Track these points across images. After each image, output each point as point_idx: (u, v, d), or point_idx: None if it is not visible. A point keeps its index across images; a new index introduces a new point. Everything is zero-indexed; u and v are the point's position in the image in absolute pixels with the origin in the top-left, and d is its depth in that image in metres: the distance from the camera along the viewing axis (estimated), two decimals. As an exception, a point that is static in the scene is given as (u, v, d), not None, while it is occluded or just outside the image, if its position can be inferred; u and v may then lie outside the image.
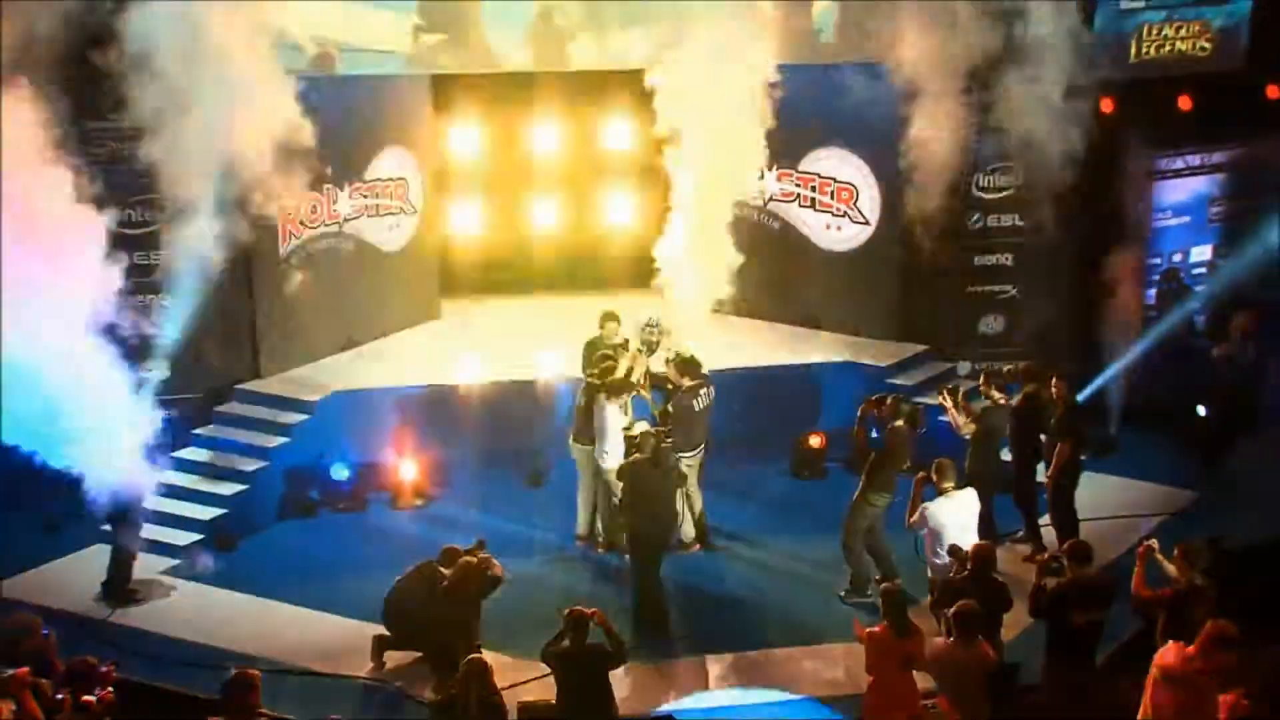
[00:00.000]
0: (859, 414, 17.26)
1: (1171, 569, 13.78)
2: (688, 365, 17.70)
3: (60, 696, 12.33)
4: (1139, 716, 12.18)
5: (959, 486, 15.44)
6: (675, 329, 18.40)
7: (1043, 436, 17.66)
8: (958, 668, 12.89)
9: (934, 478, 15.43)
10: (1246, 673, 12.74)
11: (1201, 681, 11.78)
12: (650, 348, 18.18)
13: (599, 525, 17.97)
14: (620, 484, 16.90)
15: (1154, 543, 14.19)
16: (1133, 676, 14.19)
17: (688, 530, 17.94)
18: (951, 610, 13.05)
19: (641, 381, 17.77)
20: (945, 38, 18.82)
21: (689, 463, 17.64)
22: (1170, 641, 12.20)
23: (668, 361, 17.94)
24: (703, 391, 17.61)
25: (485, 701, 12.93)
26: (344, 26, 19.12)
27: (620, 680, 14.21)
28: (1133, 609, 14.22)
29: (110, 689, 12.90)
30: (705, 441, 17.81)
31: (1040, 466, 17.84)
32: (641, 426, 17.15)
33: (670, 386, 17.77)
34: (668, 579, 17.02)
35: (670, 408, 17.58)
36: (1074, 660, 13.77)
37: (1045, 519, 17.80)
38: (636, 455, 16.62)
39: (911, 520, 15.50)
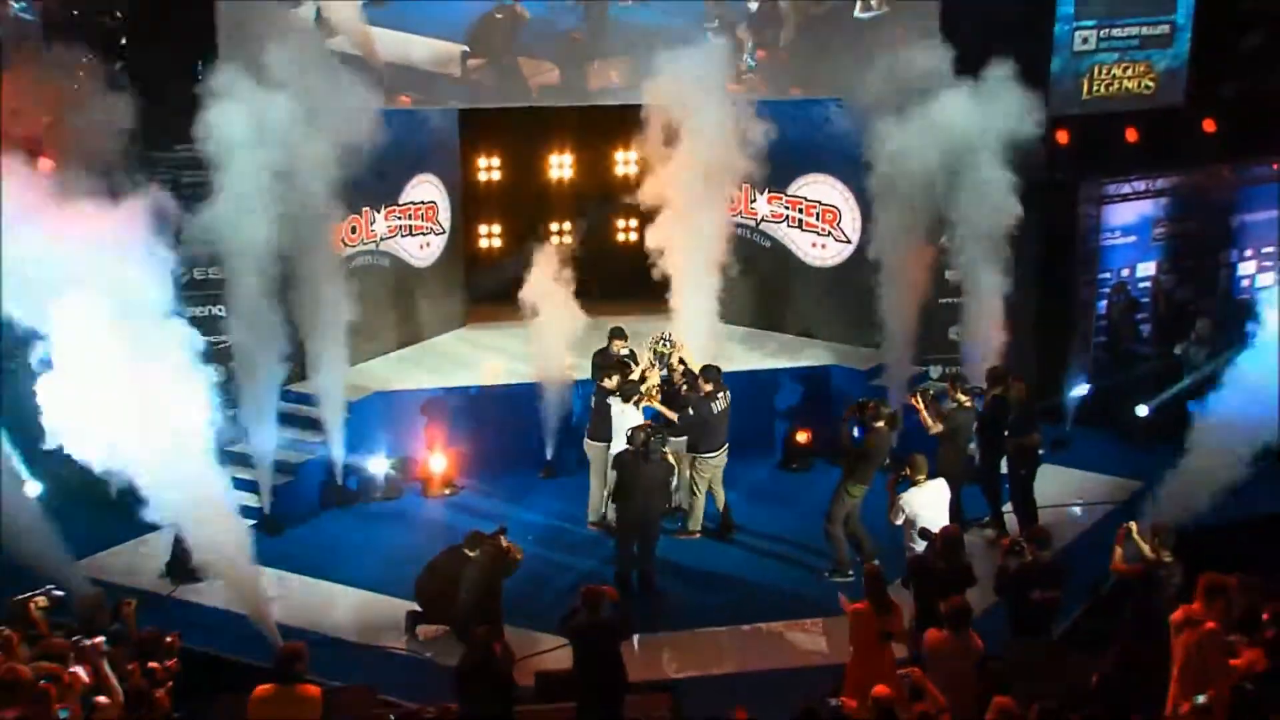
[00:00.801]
0: (844, 415, 17.38)
1: (1145, 547, 13.91)
2: (707, 372, 17.79)
3: (130, 666, 12.51)
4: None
5: (929, 478, 15.57)
6: (683, 342, 18.56)
7: (1005, 433, 17.77)
8: (952, 657, 13.00)
9: (908, 471, 15.59)
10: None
11: (1207, 627, 12.03)
12: (661, 359, 18.27)
13: (609, 513, 18.05)
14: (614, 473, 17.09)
15: (1133, 525, 14.30)
16: (1085, 650, 14.42)
17: (695, 519, 18.06)
18: (945, 606, 13.13)
19: (651, 391, 17.81)
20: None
21: (714, 462, 17.77)
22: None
23: (677, 370, 18.11)
24: (720, 395, 17.67)
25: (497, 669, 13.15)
26: (400, 51, 19.42)
27: (629, 650, 14.35)
28: (1113, 580, 14.50)
29: (175, 658, 13.09)
30: (726, 442, 17.91)
31: (1003, 460, 17.95)
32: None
33: (681, 388, 17.94)
34: (674, 561, 17.24)
35: (691, 411, 17.64)
36: (1033, 634, 13.93)
37: (1008, 507, 17.90)
38: (627, 447, 16.76)
39: (891, 515, 15.68)
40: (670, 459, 17.17)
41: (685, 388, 17.97)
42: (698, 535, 18.07)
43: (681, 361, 18.21)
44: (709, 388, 17.66)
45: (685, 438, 17.77)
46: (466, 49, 19.59)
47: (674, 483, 17.80)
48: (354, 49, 19.16)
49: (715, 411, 17.66)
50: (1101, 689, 13.21)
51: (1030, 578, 13.88)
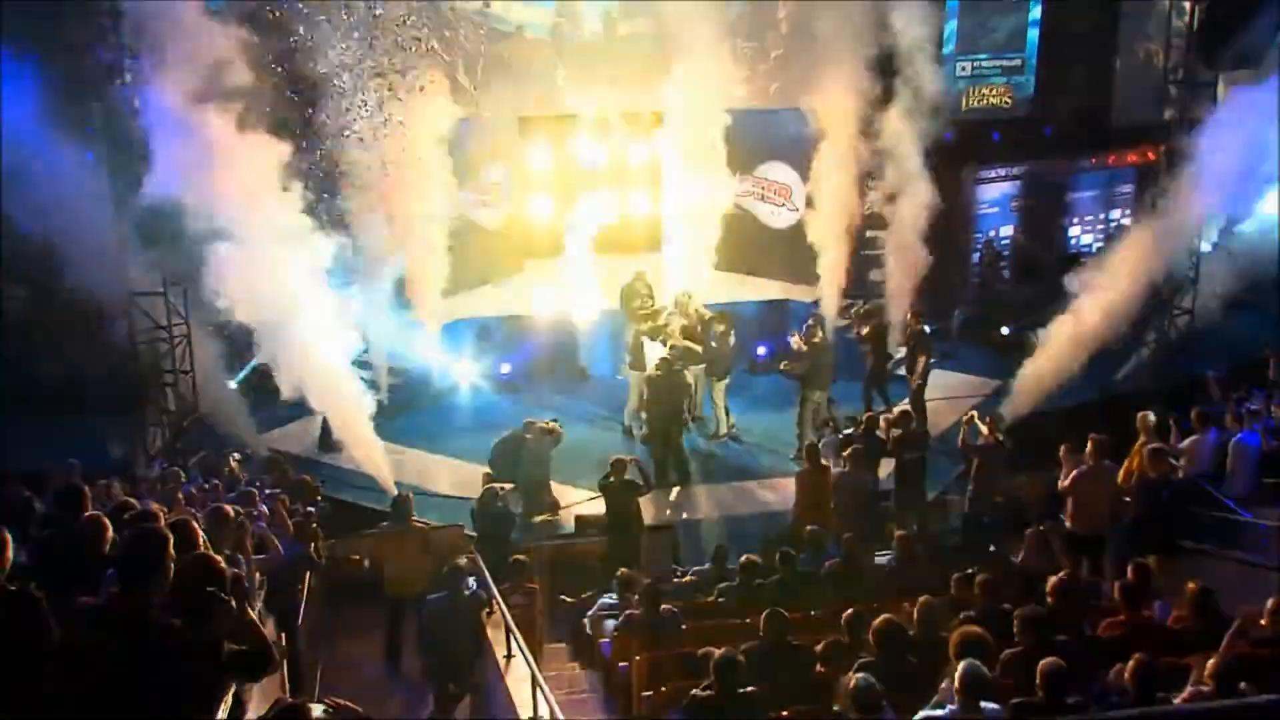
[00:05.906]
0: (791, 334, 17.56)
1: (984, 430, 14.12)
2: (724, 317, 17.70)
3: (294, 506, 12.76)
4: None
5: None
6: (695, 294, 18.34)
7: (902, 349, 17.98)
8: (854, 487, 13.29)
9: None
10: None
11: None
12: (681, 307, 17.97)
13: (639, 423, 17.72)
14: (645, 388, 16.98)
15: (975, 412, 14.55)
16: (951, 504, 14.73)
17: (722, 424, 17.81)
18: (847, 452, 13.51)
19: (674, 332, 17.39)
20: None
21: (726, 383, 17.60)
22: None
23: (693, 316, 17.82)
24: (731, 333, 17.58)
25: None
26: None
27: (646, 503, 14.64)
28: (962, 454, 14.63)
29: (320, 502, 13.39)
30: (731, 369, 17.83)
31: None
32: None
33: (697, 329, 17.62)
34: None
35: (715, 345, 17.39)
36: (908, 485, 14.37)
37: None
38: (656, 370, 16.63)
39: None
40: (689, 378, 17.08)
41: (700, 329, 17.64)
42: (725, 438, 17.77)
43: (696, 311, 17.89)
44: (722, 328, 17.52)
45: (704, 365, 17.52)
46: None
47: (687, 398, 17.43)
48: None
49: (731, 345, 17.61)
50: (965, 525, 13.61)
51: (904, 444, 14.30)
